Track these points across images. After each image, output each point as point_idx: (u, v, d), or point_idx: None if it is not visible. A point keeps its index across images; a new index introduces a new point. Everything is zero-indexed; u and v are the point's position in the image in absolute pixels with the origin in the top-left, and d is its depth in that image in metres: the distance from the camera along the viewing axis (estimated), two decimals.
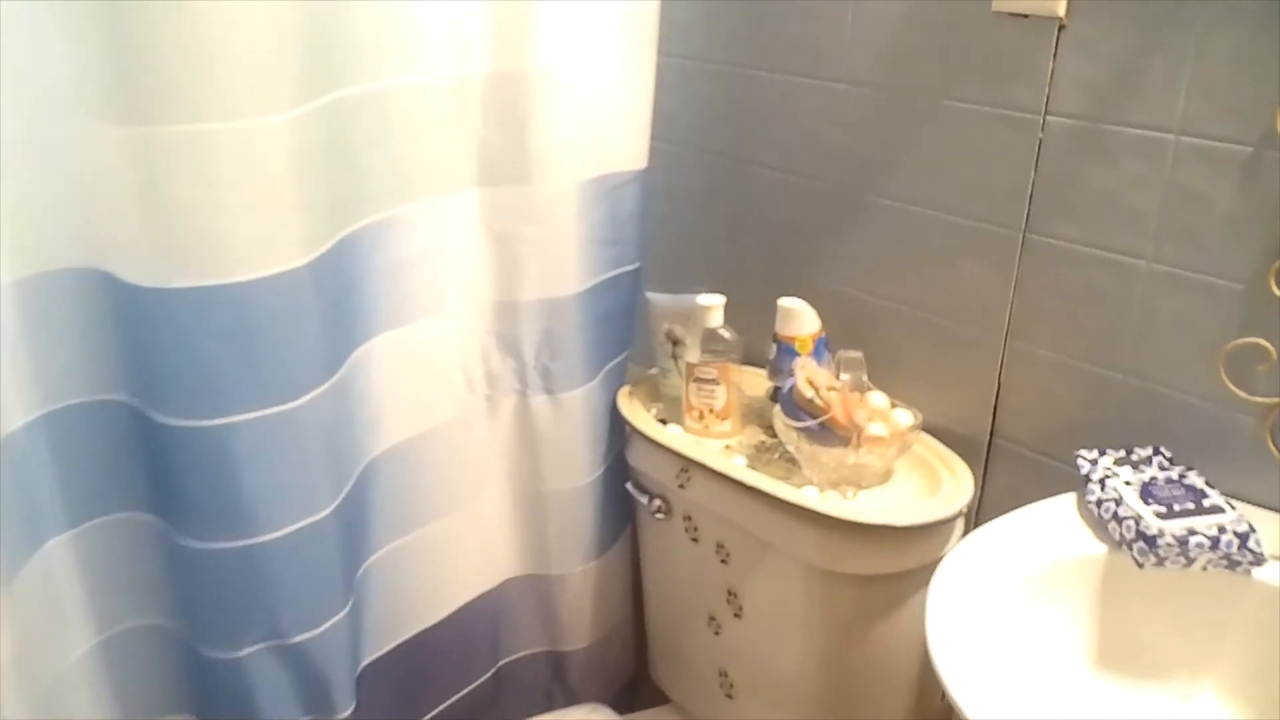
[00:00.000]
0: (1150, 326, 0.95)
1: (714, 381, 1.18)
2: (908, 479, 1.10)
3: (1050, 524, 0.92)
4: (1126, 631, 0.88)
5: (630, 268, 1.23)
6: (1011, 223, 1.02)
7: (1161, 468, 0.94)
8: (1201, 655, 0.86)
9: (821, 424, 1.05)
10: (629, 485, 1.26)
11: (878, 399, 1.08)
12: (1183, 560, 0.83)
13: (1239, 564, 0.83)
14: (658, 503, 1.22)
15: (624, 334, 1.27)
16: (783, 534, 1.07)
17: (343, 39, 0.88)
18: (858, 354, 1.08)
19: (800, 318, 1.15)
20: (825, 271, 1.21)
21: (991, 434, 1.11)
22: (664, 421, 1.23)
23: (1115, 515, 0.87)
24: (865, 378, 1.06)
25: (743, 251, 1.30)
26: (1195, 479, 0.91)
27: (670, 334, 1.24)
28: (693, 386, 1.19)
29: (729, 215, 1.30)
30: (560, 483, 1.21)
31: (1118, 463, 0.95)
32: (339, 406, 0.94)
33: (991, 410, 1.10)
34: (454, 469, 1.12)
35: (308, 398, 0.90)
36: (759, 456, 1.16)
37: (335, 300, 0.93)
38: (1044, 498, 1.04)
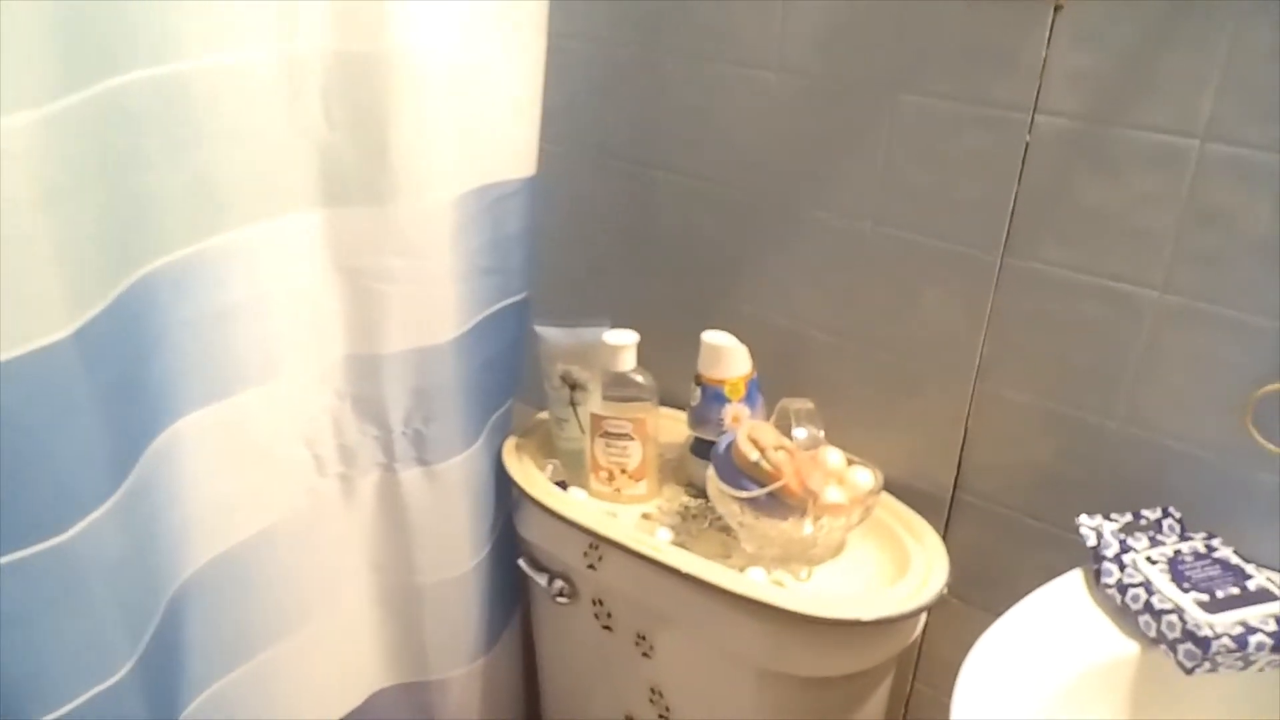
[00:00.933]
0: (1156, 367, 0.80)
1: (626, 436, 0.96)
2: (865, 548, 0.92)
3: (1067, 616, 0.76)
4: None
5: (516, 299, 1.00)
6: (986, 244, 0.85)
7: (1181, 536, 0.79)
8: None
9: (770, 493, 0.85)
10: (522, 563, 1.03)
11: (833, 457, 0.90)
12: (1240, 664, 0.68)
13: None
14: (560, 584, 1.00)
15: (510, 378, 1.03)
16: (721, 626, 0.87)
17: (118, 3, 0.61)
18: (807, 404, 0.89)
19: (730, 357, 0.95)
20: (755, 300, 1.02)
21: (955, 488, 0.95)
22: (563, 485, 1.00)
23: (1149, 607, 0.72)
24: (822, 433, 0.87)
25: (652, 276, 1.09)
26: (1224, 551, 0.77)
27: (567, 376, 1.01)
28: (599, 443, 0.97)
29: (634, 232, 1.08)
30: (438, 572, 0.97)
31: (1126, 529, 0.80)
32: (131, 523, 0.67)
33: (956, 462, 0.94)
34: (301, 574, 0.86)
35: (84, 523, 0.63)
36: (686, 527, 0.95)
37: (120, 378, 0.66)
38: (1014, 557, 0.91)
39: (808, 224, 0.95)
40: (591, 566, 0.95)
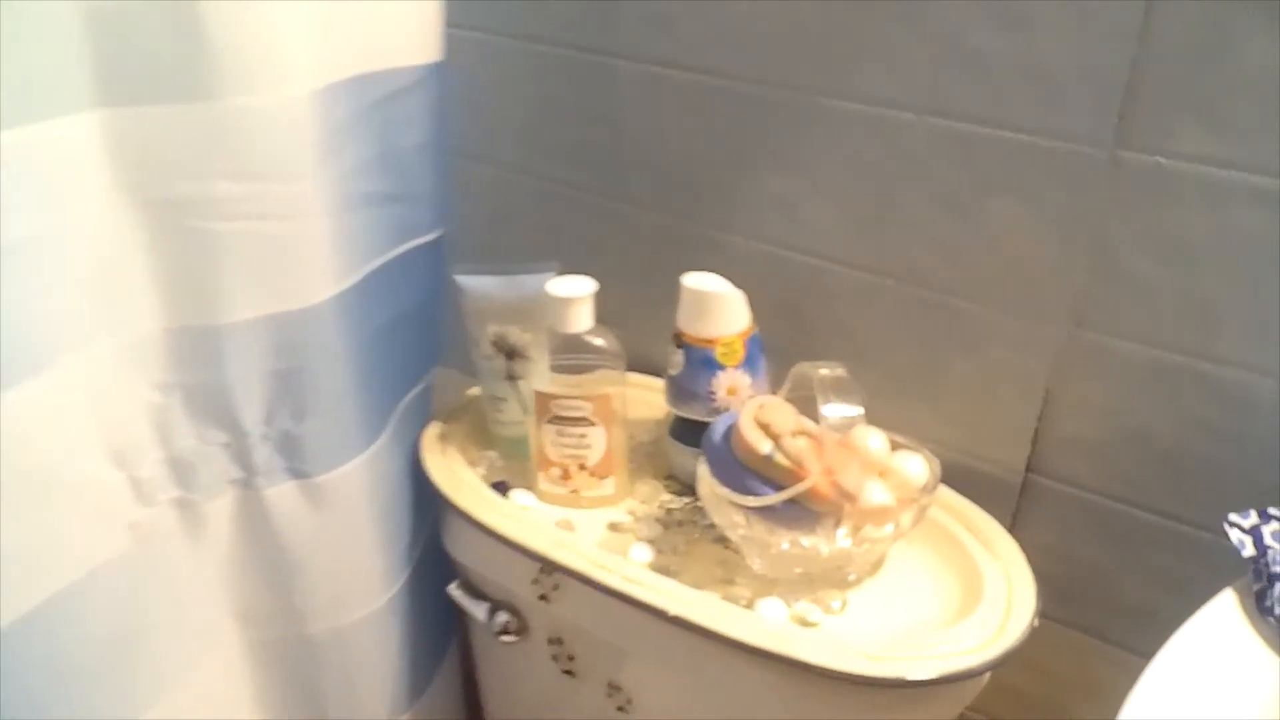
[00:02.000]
0: None
1: (585, 421, 0.71)
2: (914, 558, 0.68)
3: (1231, 666, 0.52)
4: None
5: (425, 238, 0.73)
6: (1089, 133, 0.60)
7: None
8: None
9: (791, 499, 0.60)
10: (454, 590, 0.77)
11: (874, 442, 0.65)
12: None
13: None
14: (504, 619, 0.75)
15: (424, 347, 0.77)
16: (723, 679, 0.63)
17: None
18: (837, 369, 0.63)
19: (721, 307, 0.70)
20: (753, 229, 0.76)
21: (1027, 470, 0.71)
22: (502, 487, 0.75)
23: None
24: (861, 410, 0.62)
25: (613, 202, 0.82)
26: None
27: (501, 341, 0.75)
28: (548, 430, 0.72)
29: (586, 143, 0.82)
30: (335, 616, 0.71)
31: None
32: None
33: (1031, 437, 0.69)
34: (134, 644, 0.60)
35: None
36: (670, 539, 0.70)
37: None
38: (1110, 559, 0.70)
39: (825, 118, 0.69)
40: (544, 597, 0.70)
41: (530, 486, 0.75)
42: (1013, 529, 0.72)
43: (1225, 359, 0.60)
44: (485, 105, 0.84)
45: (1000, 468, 0.71)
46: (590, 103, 0.80)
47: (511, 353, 0.75)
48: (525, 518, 0.71)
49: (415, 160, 0.68)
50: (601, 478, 0.73)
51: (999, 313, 0.67)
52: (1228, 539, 0.62)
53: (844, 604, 0.64)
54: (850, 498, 0.61)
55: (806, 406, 0.65)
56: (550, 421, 0.71)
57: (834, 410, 0.60)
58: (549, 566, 0.68)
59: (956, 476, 0.71)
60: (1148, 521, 0.67)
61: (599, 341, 0.70)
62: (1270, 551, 0.55)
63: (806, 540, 0.62)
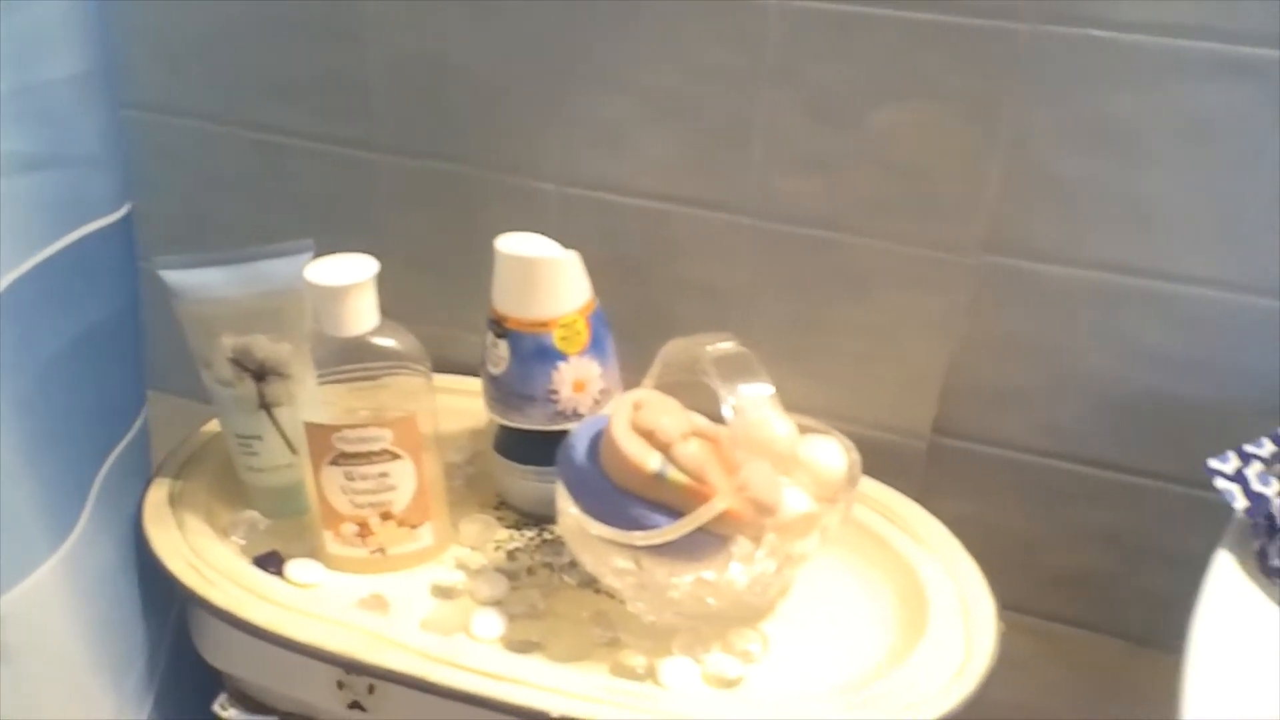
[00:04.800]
0: None
1: (385, 455, 0.51)
2: (826, 567, 0.54)
3: (1270, 647, 0.42)
4: None
5: (107, 220, 0.50)
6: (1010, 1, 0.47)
7: None
8: None
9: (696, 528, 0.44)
10: (222, 709, 0.55)
11: (782, 429, 0.49)
12: None
13: None
14: None
15: (125, 378, 0.54)
16: None
17: None
18: (729, 343, 0.47)
19: (554, 277, 0.52)
20: (563, 167, 0.58)
21: (935, 431, 0.59)
22: (272, 560, 0.54)
23: None
24: (772, 390, 0.46)
25: (383, 150, 0.62)
26: None
27: (245, 357, 0.53)
28: (333, 474, 0.51)
29: (336, 71, 0.60)
30: None
31: (1272, 466, 0.47)
32: None
33: (938, 391, 0.57)
34: None
35: None
36: (522, 596, 0.52)
37: None
38: (1033, 523, 0.59)
39: (653, 10, 0.52)
40: (359, 706, 0.50)
41: (314, 554, 0.54)
42: (921, 505, 0.60)
43: (1170, 274, 0.50)
44: (172, 33, 0.61)
45: (902, 434, 0.59)
46: (325, 19, 0.58)
47: (262, 372, 0.54)
48: (312, 603, 0.50)
49: (70, 100, 0.45)
50: (414, 526, 0.53)
51: (894, 243, 0.54)
52: (1184, 485, 0.53)
53: (765, 645, 0.49)
54: (769, 511, 0.46)
55: (682, 395, 0.49)
56: (334, 462, 0.51)
57: (741, 397, 0.44)
58: (364, 670, 0.48)
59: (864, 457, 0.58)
60: (1075, 474, 0.57)
61: (391, 343, 0.50)
62: (1267, 500, 0.45)
63: (715, 574, 0.47)
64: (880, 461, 0.58)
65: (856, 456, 0.51)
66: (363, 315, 0.49)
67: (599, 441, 0.46)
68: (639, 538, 0.45)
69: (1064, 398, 0.55)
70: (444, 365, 0.63)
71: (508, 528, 0.57)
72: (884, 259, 0.54)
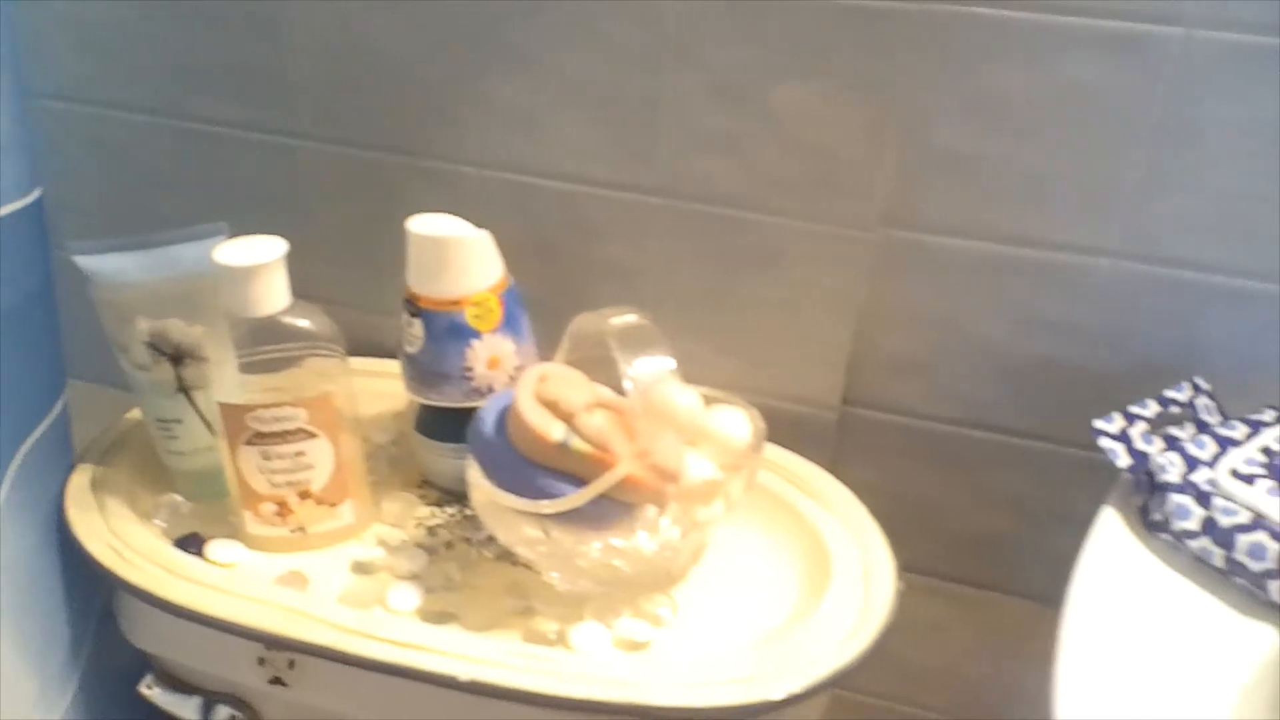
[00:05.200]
0: (1179, 156, 0.49)
1: (301, 434, 0.52)
2: (738, 533, 0.56)
3: (1140, 603, 0.44)
4: None
5: (16, 205, 0.50)
6: None
7: (1250, 425, 0.49)
8: None
9: (602, 496, 0.46)
10: (147, 690, 0.56)
11: (686, 400, 0.51)
12: None
13: None
14: (225, 715, 0.55)
15: (42, 364, 0.54)
16: None
17: None
18: (630, 316, 0.49)
19: (465, 255, 0.53)
20: (481, 151, 0.60)
21: (844, 402, 0.61)
22: (194, 541, 0.54)
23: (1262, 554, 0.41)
24: (673, 363, 0.47)
25: (288, 138, 0.63)
26: None
27: (160, 341, 0.54)
28: (250, 454, 0.52)
29: (238, 67, 0.61)
30: None
31: (1156, 426, 0.50)
32: None
33: (846, 362, 0.59)
34: None
35: None
36: (439, 569, 0.53)
37: None
38: (942, 490, 0.61)
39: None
40: (279, 681, 0.51)
41: (236, 534, 0.55)
42: (833, 474, 0.62)
43: (1060, 244, 0.52)
44: (93, 22, 0.61)
45: (813, 405, 0.61)
46: (244, 7, 0.59)
47: (178, 355, 0.54)
48: (232, 582, 0.51)
49: None
50: (334, 505, 0.54)
51: (798, 220, 0.55)
52: (1077, 448, 0.56)
53: (674, 610, 0.51)
54: (672, 477, 0.47)
55: (593, 370, 0.51)
56: (250, 442, 0.52)
57: (641, 367, 0.46)
58: (281, 644, 0.49)
59: (773, 427, 0.59)
60: (976, 440, 0.59)
61: (303, 323, 0.51)
62: (1148, 458, 0.48)
63: (620, 541, 0.48)
64: (793, 432, 0.60)
65: (761, 425, 0.52)
66: (274, 296, 0.50)
67: (506, 415, 0.47)
68: (546, 506, 0.46)
69: (964, 366, 0.57)
70: (369, 349, 0.64)
71: (430, 505, 0.58)
72: (789, 235, 0.56)
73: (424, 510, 0.57)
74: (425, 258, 0.53)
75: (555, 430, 0.46)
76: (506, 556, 0.53)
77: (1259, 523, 0.43)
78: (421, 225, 0.53)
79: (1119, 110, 0.48)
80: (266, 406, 0.51)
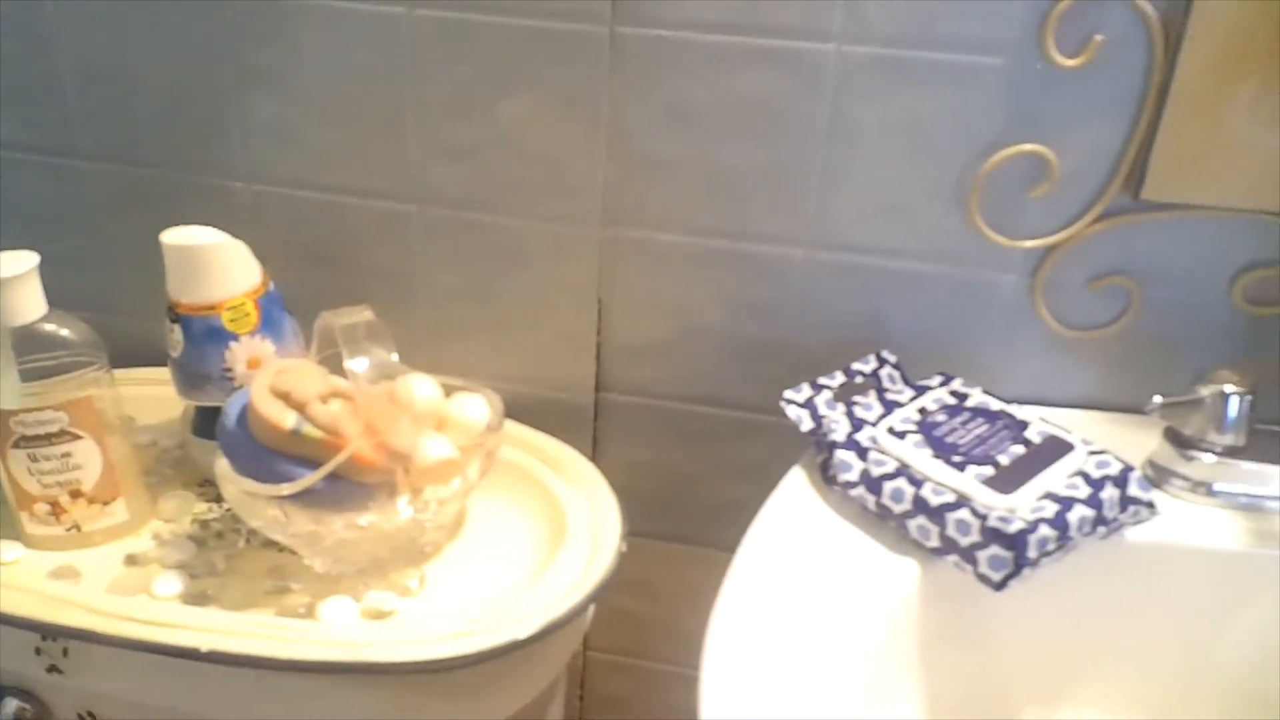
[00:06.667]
0: (850, 157, 0.56)
1: (66, 436, 0.56)
2: (493, 509, 0.61)
3: (809, 545, 0.50)
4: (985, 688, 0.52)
5: None
6: (590, 11, 0.55)
7: (914, 388, 0.57)
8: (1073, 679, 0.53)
9: (334, 475, 0.51)
10: None
11: (423, 389, 0.56)
12: (1059, 554, 0.47)
13: (1123, 525, 0.49)
14: (14, 705, 0.58)
15: None
16: (304, 708, 0.53)
17: None
18: (363, 312, 0.54)
19: (218, 262, 0.57)
20: (249, 166, 0.64)
21: (598, 388, 0.67)
22: None
23: (922, 505, 0.48)
24: (395, 356, 0.53)
25: (63, 159, 0.66)
26: (976, 395, 0.56)
27: None
28: (18, 457, 0.56)
29: (9, 89, 0.64)
30: None
31: (840, 395, 0.57)
32: None
33: (595, 352, 0.65)
34: None
35: None
36: (205, 559, 0.57)
37: None
38: (687, 462, 0.67)
39: (302, 17, 0.58)
40: (56, 669, 0.55)
41: (16, 535, 0.58)
42: (596, 453, 0.68)
43: (758, 235, 0.59)
44: None
45: (572, 392, 0.66)
46: (18, 30, 0.62)
47: None
48: (7, 577, 0.54)
49: None
50: (106, 503, 0.58)
51: (535, 221, 0.61)
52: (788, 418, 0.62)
53: (422, 581, 0.56)
54: (402, 458, 0.52)
55: (339, 365, 0.55)
56: (16, 445, 0.55)
57: (361, 362, 0.51)
58: (48, 631, 0.53)
59: (532, 412, 0.65)
60: (716, 416, 0.65)
61: (63, 331, 0.55)
62: (825, 421, 0.54)
63: (363, 519, 0.53)
64: (555, 417, 0.66)
65: (500, 407, 0.58)
66: (29, 306, 0.53)
67: (246, 408, 0.52)
68: (283, 489, 0.51)
69: (696, 350, 0.63)
70: (156, 358, 0.67)
71: (208, 502, 0.62)
72: (530, 235, 0.61)
73: (201, 506, 0.61)
74: (179, 266, 0.57)
75: (288, 419, 0.50)
76: (271, 544, 0.58)
77: (901, 471, 0.50)
78: (175, 236, 0.57)
79: (792, 115, 0.55)
80: (29, 411, 0.54)
